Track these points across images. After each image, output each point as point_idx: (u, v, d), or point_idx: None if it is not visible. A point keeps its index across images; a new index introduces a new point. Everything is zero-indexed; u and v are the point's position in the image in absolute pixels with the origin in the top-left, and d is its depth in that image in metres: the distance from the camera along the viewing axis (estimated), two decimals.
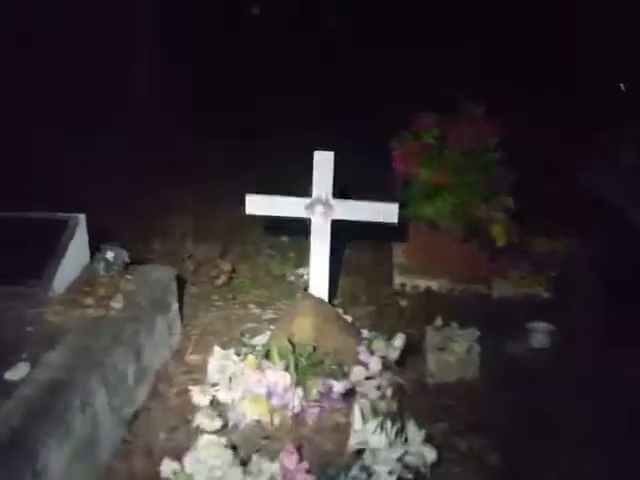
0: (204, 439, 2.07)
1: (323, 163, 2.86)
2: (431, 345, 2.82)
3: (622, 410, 2.28)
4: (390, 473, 1.81)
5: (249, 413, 2.33)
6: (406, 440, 1.94)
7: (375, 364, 2.39)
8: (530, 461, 2.17)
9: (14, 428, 1.70)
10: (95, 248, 2.68)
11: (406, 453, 1.90)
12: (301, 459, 2.13)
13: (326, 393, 2.47)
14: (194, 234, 3.44)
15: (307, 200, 2.90)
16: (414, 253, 3.88)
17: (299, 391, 2.45)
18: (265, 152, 4.34)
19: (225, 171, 4.08)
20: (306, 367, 2.58)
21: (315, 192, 2.88)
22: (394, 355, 2.49)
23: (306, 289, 3.05)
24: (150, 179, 3.75)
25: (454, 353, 2.78)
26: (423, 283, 3.69)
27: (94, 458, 2.02)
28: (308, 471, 2.08)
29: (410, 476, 1.84)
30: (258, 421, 2.34)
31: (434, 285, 3.68)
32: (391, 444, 1.91)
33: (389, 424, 1.95)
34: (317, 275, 2.95)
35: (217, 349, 2.54)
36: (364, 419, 2.01)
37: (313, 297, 2.98)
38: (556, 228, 3.96)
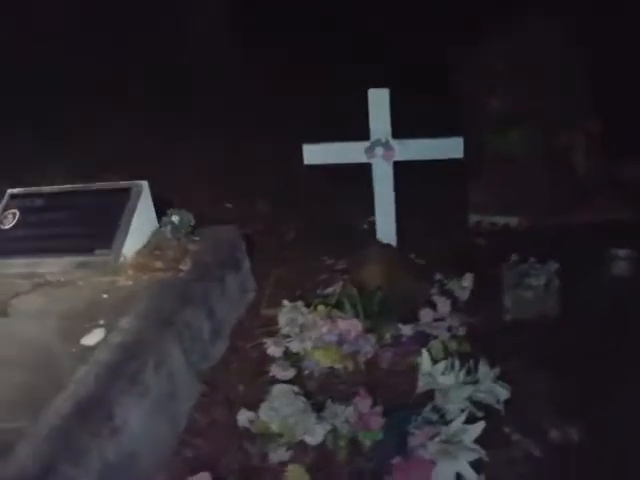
0: (277, 388, 2.11)
1: (378, 102, 2.75)
2: (507, 281, 2.72)
3: None
4: (461, 411, 1.76)
5: (321, 361, 2.36)
6: (477, 379, 1.88)
7: (443, 305, 2.32)
8: (608, 396, 2.05)
9: (91, 390, 1.80)
10: (163, 213, 2.77)
11: (477, 391, 1.84)
12: (374, 403, 2.15)
13: (399, 337, 2.46)
14: (260, 191, 3.44)
15: (366, 143, 2.82)
16: (490, 189, 3.70)
17: (370, 337, 2.45)
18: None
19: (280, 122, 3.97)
20: (376, 313, 2.58)
21: (373, 134, 2.79)
22: (464, 295, 2.41)
23: (376, 236, 3.00)
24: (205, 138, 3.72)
25: (531, 288, 2.66)
26: (501, 220, 3.53)
27: (173, 412, 2.12)
28: (382, 413, 2.09)
29: (482, 414, 1.79)
30: (331, 368, 2.36)
31: (512, 221, 3.51)
32: (461, 383, 1.86)
33: (457, 363, 1.89)
34: (384, 221, 2.89)
35: (286, 302, 2.56)
36: (433, 360, 1.97)
37: (381, 243, 2.94)
38: None
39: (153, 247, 2.60)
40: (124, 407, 1.85)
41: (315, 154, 2.86)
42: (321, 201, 3.31)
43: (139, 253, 2.55)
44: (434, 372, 1.91)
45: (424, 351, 2.01)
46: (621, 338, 2.19)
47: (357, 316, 2.50)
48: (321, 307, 2.56)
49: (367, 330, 2.46)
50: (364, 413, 2.12)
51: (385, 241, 2.88)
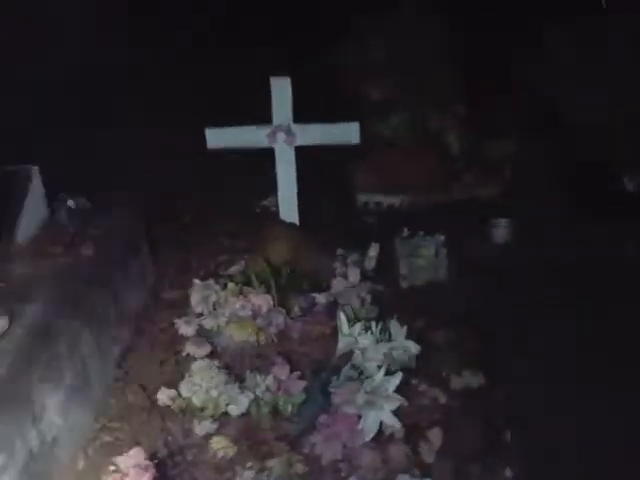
0: (197, 364, 2.12)
1: (280, 89, 2.82)
2: (401, 253, 2.93)
3: (585, 286, 2.43)
4: (379, 367, 1.91)
5: (236, 335, 2.40)
6: (390, 338, 2.04)
7: (354, 274, 2.46)
8: (505, 343, 2.32)
9: (6, 379, 1.70)
10: (53, 199, 2.62)
11: (392, 348, 2.00)
12: (292, 370, 2.23)
13: (308, 308, 2.57)
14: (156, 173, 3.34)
15: (268, 128, 2.88)
16: (374, 172, 3.93)
17: (281, 310, 2.54)
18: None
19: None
20: (286, 287, 2.66)
21: (275, 119, 2.86)
22: (371, 264, 2.57)
23: (276, 217, 3.07)
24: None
25: (423, 257, 2.91)
26: (385, 200, 3.78)
27: (89, 397, 2.06)
28: (300, 378, 2.18)
29: (397, 367, 1.95)
30: (245, 342, 2.41)
31: (396, 201, 3.77)
32: (377, 342, 2.01)
33: (374, 324, 2.03)
34: (286, 202, 2.97)
35: (197, 281, 2.56)
36: (350, 323, 2.09)
37: (284, 223, 3.02)
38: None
39: (49, 232, 2.47)
40: (42, 394, 1.77)
41: (218, 138, 2.86)
42: (223, 184, 3.30)
43: (34, 239, 2.41)
44: (353, 333, 2.03)
45: (342, 314, 2.13)
46: (505, 295, 2.47)
47: (268, 291, 2.58)
48: (231, 285, 2.60)
49: (279, 304, 2.56)
50: (283, 380, 2.20)
51: (287, 220, 2.96)
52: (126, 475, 1.48)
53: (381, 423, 1.83)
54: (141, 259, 2.81)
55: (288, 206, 2.94)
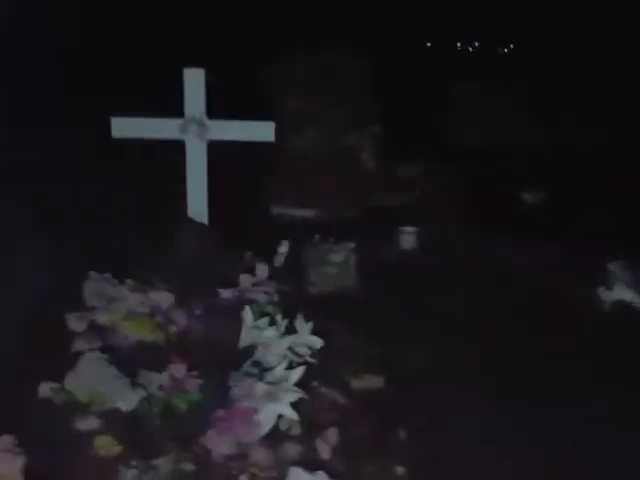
0: (84, 357, 1.97)
1: (194, 81, 2.76)
2: (311, 259, 2.92)
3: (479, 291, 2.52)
4: (281, 361, 1.85)
5: (132, 332, 2.26)
6: (295, 331, 1.99)
7: (262, 270, 2.40)
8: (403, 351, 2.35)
9: None
10: None
11: (296, 343, 1.95)
12: (190, 369, 2.13)
13: (212, 306, 2.48)
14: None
15: (180, 120, 2.79)
16: (288, 184, 3.94)
17: (182, 309, 2.43)
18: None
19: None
20: (190, 285, 2.56)
21: (188, 111, 2.78)
22: (280, 261, 2.52)
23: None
24: None
25: (332, 264, 2.92)
26: (299, 212, 3.78)
27: None
28: (197, 377, 2.08)
29: (300, 360, 1.90)
30: (141, 340, 2.28)
31: (309, 213, 3.79)
32: (281, 336, 1.95)
33: (279, 318, 1.98)
34: (195, 199, 2.87)
35: (93, 273, 2.40)
36: (254, 317, 2.03)
37: (192, 220, 2.92)
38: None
39: None
40: None
41: (124, 127, 2.74)
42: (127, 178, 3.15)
43: None
44: (257, 325, 1.96)
45: (247, 307, 2.06)
46: (413, 300, 2.51)
47: (169, 290, 2.46)
48: (130, 281, 2.47)
49: (178, 302, 2.45)
50: (179, 378, 2.09)
51: (196, 219, 2.87)
52: None
53: (278, 418, 1.76)
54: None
55: (197, 203, 2.84)
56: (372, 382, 2.27)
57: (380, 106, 4.22)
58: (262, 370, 1.87)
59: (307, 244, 3.02)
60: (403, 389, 2.18)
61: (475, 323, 2.37)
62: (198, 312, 2.41)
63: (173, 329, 2.35)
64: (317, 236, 3.08)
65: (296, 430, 1.92)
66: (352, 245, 2.98)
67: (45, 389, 1.88)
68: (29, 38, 3.04)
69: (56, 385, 1.90)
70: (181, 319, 2.38)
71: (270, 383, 1.74)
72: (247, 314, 1.98)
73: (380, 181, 3.90)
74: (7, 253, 2.26)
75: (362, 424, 2.01)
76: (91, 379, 1.89)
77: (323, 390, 2.24)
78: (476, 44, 8.56)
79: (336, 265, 2.88)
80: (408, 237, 2.87)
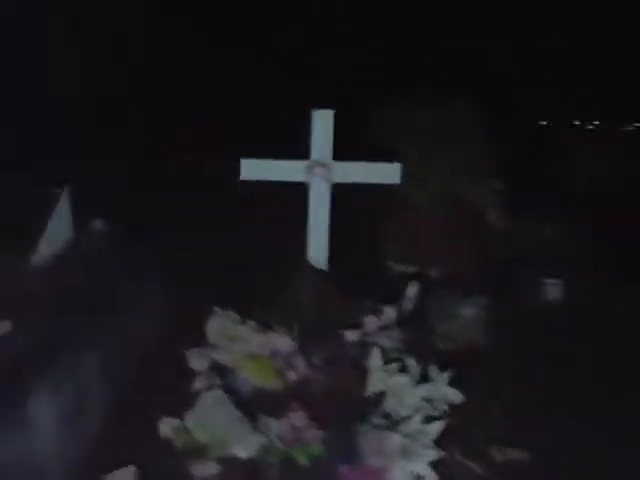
0: (207, 394, 1.87)
1: (322, 123, 2.73)
2: (438, 312, 2.71)
3: None
4: (416, 412, 1.64)
5: (252, 374, 2.15)
6: (430, 380, 1.78)
7: (390, 312, 2.22)
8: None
9: None
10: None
11: (432, 391, 1.73)
12: (311, 418, 1.97)
13: (333, 355, 2.32)
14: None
15: (305, 162, 2.76)
16: (406, 237, 3.78)
17: (302, 356, 2.30)
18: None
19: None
20: (310, 332, 2.43)
21: (314, 153, 2.74)
22: (409, 305, 2.33)
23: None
24: None
25: (461, 318, 2.69)
26: (416, 269, 3.60)
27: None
28: (320, 427, 1.91)
29: (437, 413, 1.67)
30: (260, 385, 2.16)
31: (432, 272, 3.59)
32: (415, 383, 1.74)
33: (412, 362, 1.77)
34: (316, 244, 2.78)
35: (216, 308, 2.34)
36: (383, 361, 1.84)
37: (312, 266, 2.83)
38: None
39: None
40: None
41: (252, 169, 2.75)
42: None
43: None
44: (389, 370, 1.77)
45: (375, 348, 1.88)
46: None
47: (290, 332, 2.35)
48: (251, 322, 2.38)
49: (300, 348, 2.32)
50: (299, 427, 1.93)
51: (316, 263, 2.77)
52: None
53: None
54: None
55: (318, 248, 2.75)
56: (514, 454, 2.00)
57: (500, 158, 4.03)
58: (394, 422, 1.66)
59: (433, 297, 2.83)
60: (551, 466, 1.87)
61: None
62: (319, 358, 2.29)
63: (292, 375, 2.23)
64: (444, 290, 2.89)
65: None
66: (483, 299, 2.76)
67: (167, 426, 1.79)
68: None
69: (177, 422, 1.81)
70: (301, 365, 2.25)
71: (406, 436, 1.53)
72: (375, 356, 1.80)
73: (506, 236, 3.64)
74: (134, 285, 2.27)
75: None
76: (212, 418, 1.78)
77: (458, 457, 2.01)
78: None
79: (466, 319, 2.66)
80: (553, 287, 2.58)
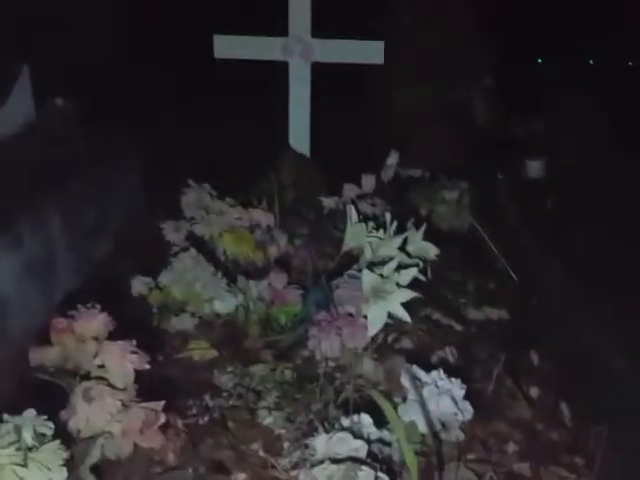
0: (182, 254, 1.85)
1: None
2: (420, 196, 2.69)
3: None
4: (391, 260, 1.62)
5: (230, 246, 2.13)
6: (406, 236, 1.76)
7: (368, 182, 2.18)
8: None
9: None
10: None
11: (407, 243, 1.71)
12: (290, 283, 1.97)
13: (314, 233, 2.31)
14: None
15: (283, 39, 2.66)
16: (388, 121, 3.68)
17: (283, 232, 2.28)
18: None
19: None
20: (290, 209, 2.41)
21: (292, 30, 2.63)
22: (388, 174, 2.28)
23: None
24: None
25: (445, 202, 2.67)
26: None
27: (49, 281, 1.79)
28: (298, 289, 1.91)
29: (413, 261, 1.66)
30: (241, 255, 2.14)
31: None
32: (391, 237, 1.72)
33: (388, 217, 1.75)
34: (297, 126, 2.72)
35: (191, 182, 2.29)
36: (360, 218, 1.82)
37: (294, 152, 2.77)
38: None
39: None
40: None
41: (226, 46, 2.64)
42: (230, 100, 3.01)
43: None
44: (362, 228, 1.74)
45: (351, 206, 1.85)
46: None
47: (270, 209, 2.32)
48: (229, 198, 2.35)
49: (280, 225, 2.30)
50: (279, 289, 1.93)
51: (297, 147, 2.71)
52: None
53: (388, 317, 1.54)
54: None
55: (299, 131, 2.68)
56: (493, 314, 2.03)
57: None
58: (368, 265, 1.64)
59: (416, 181, 2.80)
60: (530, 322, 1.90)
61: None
62: (300, 235, 2.28)
63: (274, 250, 2.22)
64: (427, 174, 2.85)
65: (407, 343, 1.72)
66: (466, 185, 2.73)
67: (139, 284, 1.78)
68: None
69: (150, 280, 1.80)
70: (282, 240, 2.24)
71: (379, 276, 1.52)
72: (352, 212, 1.76)
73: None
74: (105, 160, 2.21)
75: (483, 348, 1.76)
76: (187, 275, 1.77)
77: (436, 316, 2.03)
78: None
79: (449, 204, 2.64)
80: (534, 167, 2.52)
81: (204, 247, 2.09)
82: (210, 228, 2.16)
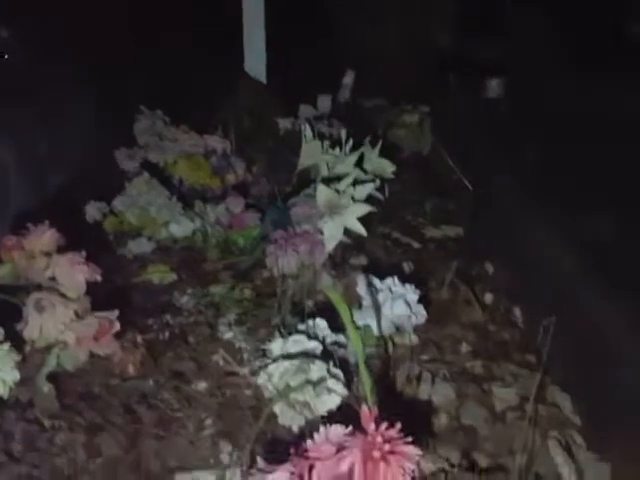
0: (137, 180, 1.82)
1: None
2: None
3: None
4: (347, 176, 1.62)
5: (186, 173, 2.10)
6: (362, 152, 1.75)
7: (324, 102, 2.15)
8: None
9: None
10: None
11: (364, 160, 1.71)
12: (249, 206, 1.96)
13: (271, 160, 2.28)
14: None
15: None
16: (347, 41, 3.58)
17: (242, 160, 2.25)
18: None
19: None
20: (246, 135, 2.37)
21: None
22: (345, 94, 2.26)
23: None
24: None
25: (405, 126, 2.66)
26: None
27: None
28: (256, 211, 1.91)
29: (369, 178, 1.66)
30: (197, 182, 2.11)
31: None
32: (347, 155, 1.72)
33: (344, 134, 1.73)
34: (252, 49, 2.63)
35: (144, 108, 2.22)
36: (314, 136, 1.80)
37: (248, 77, 2.69)
38: None
39: None
40: None
41: None
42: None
43: None
44: (317, 145, 1.73)
45: (306, 124, 1.83)
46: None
47: (226, 135, 2.27)
48: (183, 125, 2.29)
49: (237, 152, 2.27)
50: (236, 213, 1.92)
51: (253, 74, 2.64)
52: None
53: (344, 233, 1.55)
54: None
55: (254, 54, 2.60)
56: (450, 231, 2.07)
57: None
58: (324, 180, 1.64)
59: (374, 106, 2.77)
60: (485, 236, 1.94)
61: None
62: (258, 162, 2.25)
63: (231, 178, 2.19)
64: (384, 99, 2.82)
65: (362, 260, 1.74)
66: (427, 108, 2.72)
67: (93, 209, 1.75)
68: None
69: (105, 205, 1.77)
70: (240, 168, 2.21)
71: (335, 192, 1.52)
72: (307, 130, 1.74)
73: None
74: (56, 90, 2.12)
75: (440, 261, 1.80)
76: (142, 200, 1.74)
77: (395, 234, 2.06)
78: None
79: (409, 127, 2.63)
80: (493, 86, 2.52)
81: (159, 174, 2.06)
82: (164, 155, 2.12)
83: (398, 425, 0.72)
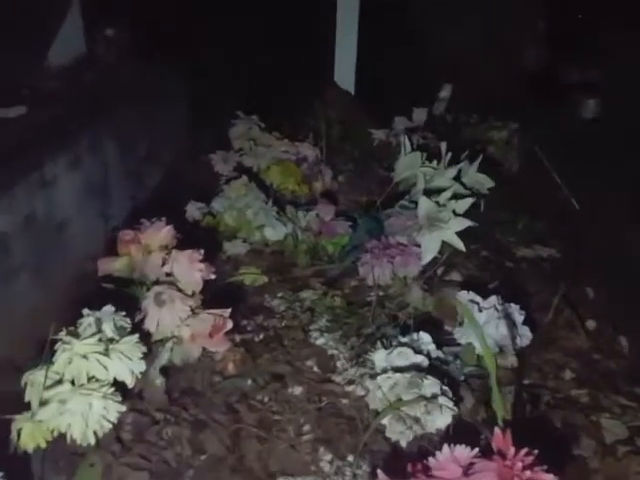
0: (234, 182, 1.86)
1: None
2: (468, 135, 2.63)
3: None
4: (446, 189, 1.60)
5: (277, 178, 2.13)
6: (461, 167, 1.72)
7: (420, 114, 2.13)
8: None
9: None
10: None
11: (462, 173, 1.68)
12: (337, 214, 1.97)
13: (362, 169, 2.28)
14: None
15: None
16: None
17: (331, 168, 2.26)
18: None
19: None
20: (336, 145, 2.38)
21: None
22: (440, 108, 2.23)
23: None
24: None
25: (494, 142, 2.62)
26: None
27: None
28: (347, 220, 1.91)
29: (468, 192, 1.63)
30: (287, 188, 2.14)
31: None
32: (445, 167, 1.69)
33: (444, 147, 1.71)
34: (343, 59, 2.65)
35: (240, 112, 2.27)
36: (412, 148, 1.78)
37: (338, 88, 2.72)
38: None
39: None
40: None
41: None
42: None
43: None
44: (415, 157, 1.72)
45: (404, 136, 1.82)
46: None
47: (316, 144, 2.29)
48: (275, 132, 2.33)
49: (327, 161, 2.28)
50: (327, 221, 1.93)
51: (342, 85, 2.65)
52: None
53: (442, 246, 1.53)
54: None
55: (345, 66, 2.61)
56: (542, 252, 2.01)
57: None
58: (427, 192, 1.61)
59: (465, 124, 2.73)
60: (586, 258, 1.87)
61: None
62: (346, 171, 2.26)
63: (319, 186, 2.21)
64: (475, 115, 2.78)
65: (456, 275, 1.71)
66: (516, 125, 2.66)
67: (193, 208, 1.80)
68: None
69: (204, 205, 1.81)
70: (328, 176, 2.22)
71: (436, 204, 1.51)
72: (405, 142, 1.73)
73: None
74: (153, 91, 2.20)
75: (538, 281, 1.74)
76: (239, 203, 1.77)
77: (485, 253, 2.01)
78: None
79: (497, 143, 2.58)
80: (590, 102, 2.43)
81: (252, 179, 2.10)
82: (258, 160, 2.16)
83: (536, 452, 0.70)
